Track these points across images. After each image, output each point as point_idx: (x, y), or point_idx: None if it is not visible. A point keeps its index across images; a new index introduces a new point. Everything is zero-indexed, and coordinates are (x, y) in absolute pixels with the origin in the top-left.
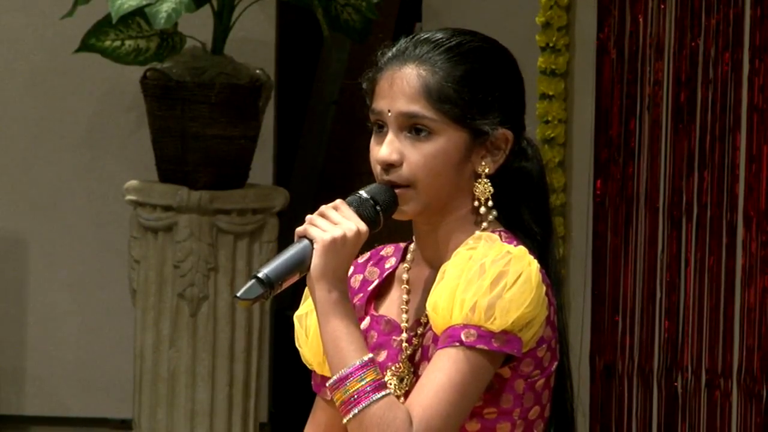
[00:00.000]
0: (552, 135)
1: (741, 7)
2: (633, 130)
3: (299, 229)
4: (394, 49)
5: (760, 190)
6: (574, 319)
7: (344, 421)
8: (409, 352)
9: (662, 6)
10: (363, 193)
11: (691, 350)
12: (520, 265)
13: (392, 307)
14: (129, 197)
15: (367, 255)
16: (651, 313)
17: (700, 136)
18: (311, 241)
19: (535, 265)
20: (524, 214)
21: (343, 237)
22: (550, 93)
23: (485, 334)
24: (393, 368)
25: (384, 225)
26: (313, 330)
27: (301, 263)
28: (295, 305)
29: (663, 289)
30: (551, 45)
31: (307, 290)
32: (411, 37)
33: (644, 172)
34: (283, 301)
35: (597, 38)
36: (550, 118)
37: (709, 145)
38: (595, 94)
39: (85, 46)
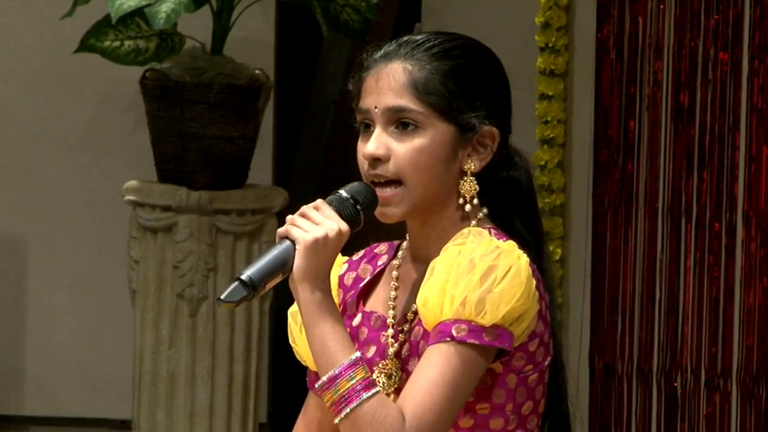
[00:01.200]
0: (551, 135)
1: (741, 7)
2: (632, 131)
3: (281, 230)
4: (379, 51)
5: (760, 190)
6: (574, 319)
7: (336, 420)
8: (395, 348)
9: (662, 6)
10: (343, 192)
11: (691, 350)
12: (510, 259)
13: (380, 302)
14: (128, 197)
15: (361, 253)
16: (650, 314)
17: (700, 136)
18: (293, 242)
19: (524, 259)
20: (516, 223)
21: (325, 237)
22: (550, 93)
23: (476, 329)
24: (380, 365)
25: (384, 224)
26: None
27: (284, 264)
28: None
29: (662, 290)
30: (550, 45)
31: None
32: (396, 39)
33: (643, 172)
34: (282, 301)
35: (596, 38)
36: (549, 119)
37: (709, 145)
38: (595, 95)
39: (84, 46)
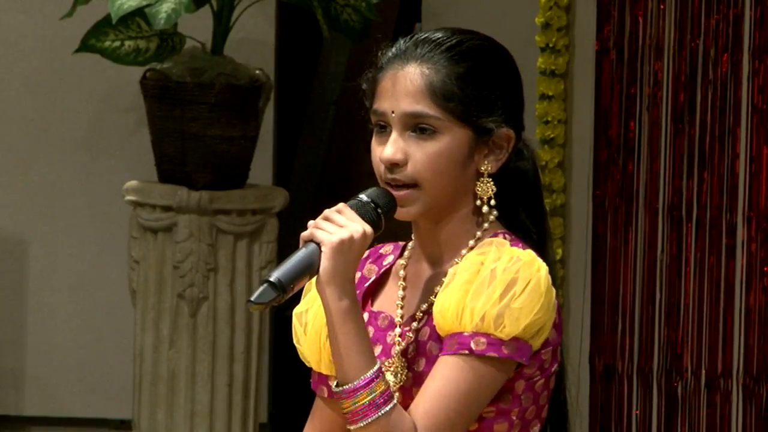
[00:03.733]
0: (552, 135)
1: (741, 8)
2: (632, 131)
3: (304, 234)
4: (394, 49)
5: (760, 190)
6: (574, 320)
7: (351, 428)
8: (401, 347)
9: (662, 6)
10: (363, 196)
11: (691, 351)
12: (530, 271)
13: (388, 302)
14: (128, 197)
15: (366, 253)
16: (651, 314)
17: (700, 136)
18: (318, 245)
19: (544, 269)
20: (521, 214)
21: (350, 238)
22: (550, 93)
23: (495, 342)
24: (386, 363)
25: (387, 226)
26: (311, 327)
27: (310, 266)
28: (294, 305)
29: (663, 290)
30: (551, 45)
31: (306, 287)
32: (410, 36)
33: (644, 172)
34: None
35: (597, 39)
36: (549, 119)
37: (709, 145)
38: (595, 95)
39: (84, 46)
